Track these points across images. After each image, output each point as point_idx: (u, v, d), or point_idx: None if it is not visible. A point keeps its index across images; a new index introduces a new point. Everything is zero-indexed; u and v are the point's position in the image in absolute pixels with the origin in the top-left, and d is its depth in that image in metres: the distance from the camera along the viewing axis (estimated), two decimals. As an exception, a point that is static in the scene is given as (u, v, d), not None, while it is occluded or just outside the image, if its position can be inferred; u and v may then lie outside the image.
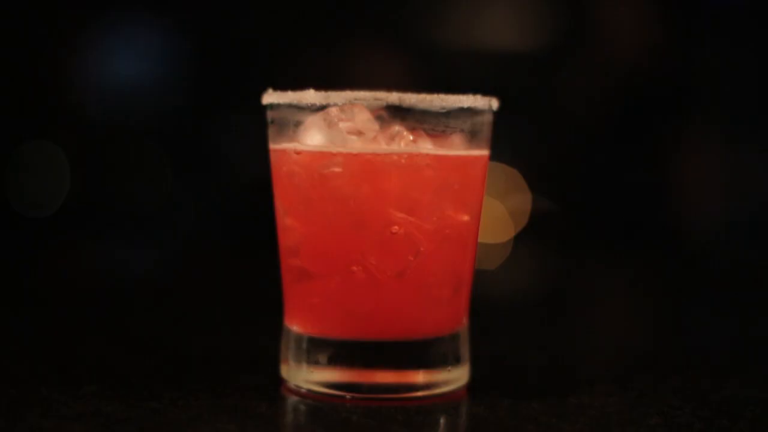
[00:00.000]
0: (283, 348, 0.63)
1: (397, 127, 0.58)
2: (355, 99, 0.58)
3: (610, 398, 0.62)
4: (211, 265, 1.19)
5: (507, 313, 0.95)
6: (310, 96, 0.59)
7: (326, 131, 0.59)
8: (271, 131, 0.62)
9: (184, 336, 0.79)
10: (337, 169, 0.58)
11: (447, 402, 0.61)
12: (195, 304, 0.94)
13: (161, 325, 0.84)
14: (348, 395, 0.59)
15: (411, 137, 0.59)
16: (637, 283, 1.18)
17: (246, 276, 1.09)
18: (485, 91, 0.61)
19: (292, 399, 0.60)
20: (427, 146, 0.59)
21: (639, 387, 0.65)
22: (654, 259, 1.32)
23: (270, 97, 0.61)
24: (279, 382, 0.63)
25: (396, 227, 0.58)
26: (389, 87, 0.61)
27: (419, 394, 0.60)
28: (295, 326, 0.62)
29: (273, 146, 0.62)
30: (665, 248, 1.37)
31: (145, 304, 0.95)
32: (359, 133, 0.58)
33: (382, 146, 0.58)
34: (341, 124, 0.58)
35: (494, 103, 0.61)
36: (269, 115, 0.62)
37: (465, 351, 0.63)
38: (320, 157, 0.59)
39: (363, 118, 0.58)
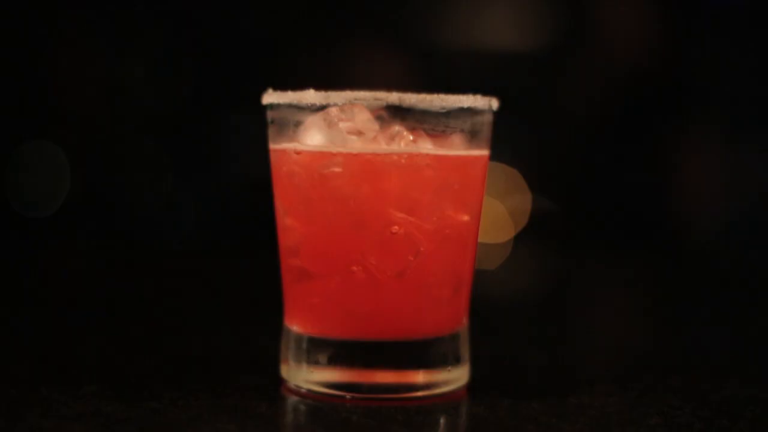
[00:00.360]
0: (283, 348, 0.63)
1: (397, 127, 0.59)
2: (355, 99, 0.58)
3: (610, 398, 0.62)
4: (212, 266, 1.19)
5: (507, 313, 0.95)
6: (310, 96, 0.59)
7: (326, 131, 0.59)
8: (271, 131, 0.62)
9: (184, 336, 0.79)
10: (337, 169, 0.58)
11: (447, 402, 0.61)
12: (195, 304, 0.94)
13: (161, 325, 0.84)
14: (348, 395, 0.59)
15: (411, 137, 0.59)
16: (637, 283, 1.18)
17: (246, 276, 1.09)
18: (485, 91, 0.61)
19: (292, 399, 0.60)
20: (427, 146, 0.59)
21: (639, 387, 0.65)
22: (654, 259, 1.32)
23: (270, 97, 0.61)
24: (279, 382, 0.63)
25: (396, 227, 0.58)
26: (389, 87, 0.61)
27: (419, 394, 0.60)
28: (295, 326, 0.62)
29: (273, 146, 0.62)
30: (665, 248, 1.37)
31: (145, 304, 0.95)
32: (359, 133, 0.58)
33: (382, 146, 0.58)
34: (341, 124, 0.58)
35: (494, 103, 0.62)
36: (269, 115, 0.62)
37: (465, 351, 0.63)
38: (320, 157, 0.59)
39: (363, 118, 0.58)
